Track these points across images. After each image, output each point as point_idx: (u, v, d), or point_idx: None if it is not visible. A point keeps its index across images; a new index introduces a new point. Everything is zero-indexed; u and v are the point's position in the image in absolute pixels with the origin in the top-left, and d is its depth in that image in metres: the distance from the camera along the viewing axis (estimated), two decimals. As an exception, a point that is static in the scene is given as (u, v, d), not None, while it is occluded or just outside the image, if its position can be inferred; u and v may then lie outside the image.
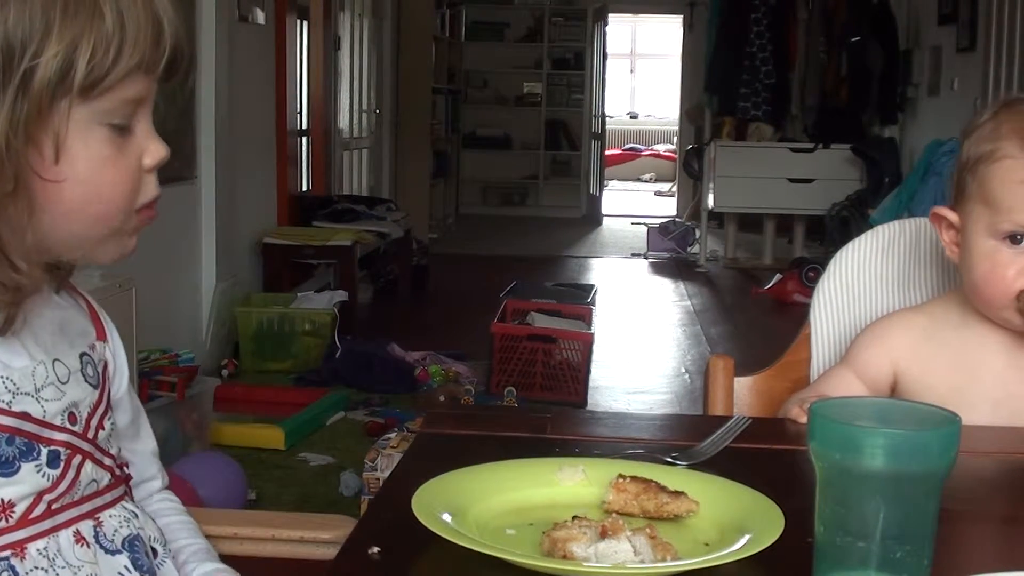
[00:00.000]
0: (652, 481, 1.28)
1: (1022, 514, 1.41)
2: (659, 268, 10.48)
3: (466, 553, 1.12)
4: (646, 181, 19.40)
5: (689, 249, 10.84)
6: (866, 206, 8.83)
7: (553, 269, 10.00)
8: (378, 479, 3.32)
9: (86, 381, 1.25)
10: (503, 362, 5.55)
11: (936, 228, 1.70)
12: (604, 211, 14.29)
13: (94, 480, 1.24)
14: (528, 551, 1.16)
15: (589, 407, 5.45)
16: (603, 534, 1.14)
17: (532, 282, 7.08)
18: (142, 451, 1.42)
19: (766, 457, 1.53)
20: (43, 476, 1.17)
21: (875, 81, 9.75)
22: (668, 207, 15.07)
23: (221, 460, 3.84)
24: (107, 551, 1.23)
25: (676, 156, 15.68)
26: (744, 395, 1.95)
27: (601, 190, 14.63)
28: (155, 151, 1.19)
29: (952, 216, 1.65)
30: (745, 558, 1.12)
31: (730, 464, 1.42)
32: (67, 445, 1.20)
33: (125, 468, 1.31)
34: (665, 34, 18.51)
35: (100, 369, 1.28)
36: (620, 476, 1.29)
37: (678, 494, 1.27)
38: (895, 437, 1.02)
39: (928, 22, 9.34)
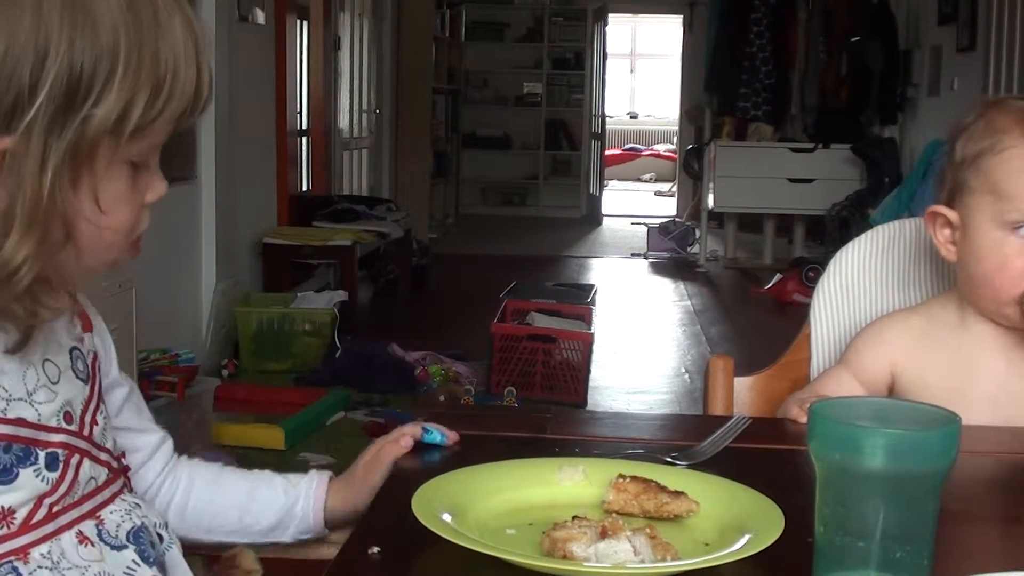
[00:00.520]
0: (652, 481, 1.28)
1: (1022, 514, 1.41)
2: (659, 268, 10.48)
3: (466, 553, 1.12)
4: (646, 181, 19.41)
5: (689, 249, 10.84)
6: (866, 206, 8.83)
7: (553, 269, 10.00)
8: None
9: (77, 377, 1.24)
10: (503, 362, 5.55)
11: (929, 228, 1.69)
12: (604, 211, 14.29)
13: (92, 478, 1.23)
14: (528, 551, 1.16)
15: (589, 407, 5.45)
16: (603, 534, 1.14)
17: (532, 282, 7.08)
18: (148, 417, 1.45)
19: (766, 457, 1.53)
20: (42, 480, 1.16)
21: (875, 81, 9.75)
22: (668, 207, 15.07)
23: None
24: (113, 547, 1.23)
25: (676, 156, 15.69)
26: (744, 395, 1.95)
27: (601, 190, 14.63)
28: (158, 188, 1.19)
29: (951, 214, 1.65)
30: (745, 558, 1.12)
31: (730, 464, 1.42)
32: (64, 446, 1.19)
33: (122, 460, 1.31)
34: (665, 34, 18.52)
35: (89, 361, 1.28)
36: (620, 476, 1.29)
37: (678, 494, 1.27)
38: (895, 437, 1.02)
39: (928, 22, 9.34)
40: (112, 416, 1.33)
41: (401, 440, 1.47)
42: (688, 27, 14.11)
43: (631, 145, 20.45)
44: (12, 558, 1.14)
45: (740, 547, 1.14)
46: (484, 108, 14.44)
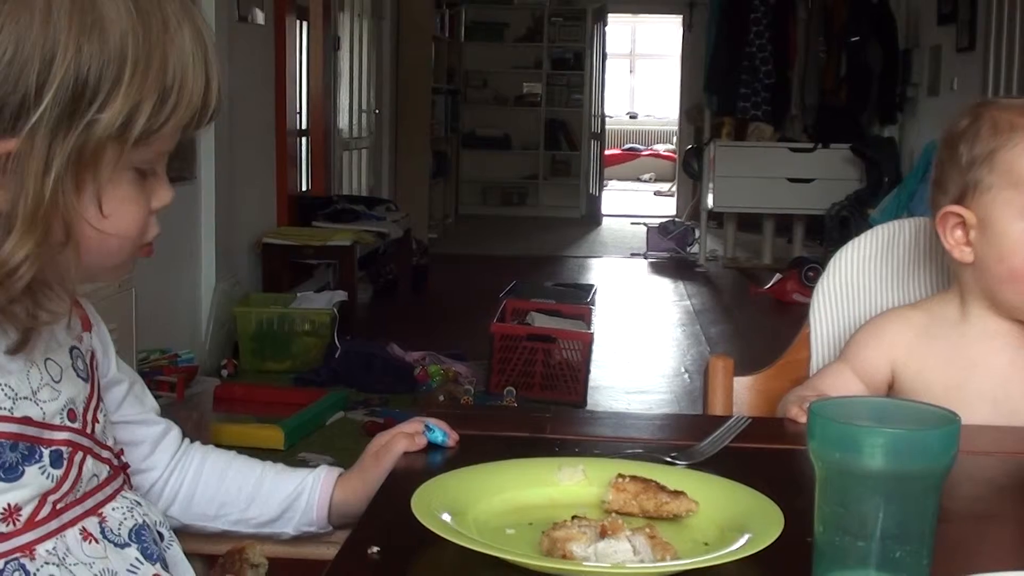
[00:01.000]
0: (652, 481, 1.28)
1: (1018, 514, 1.41)
2: (658, 268, 10.48)
3: (466, 553, 1.12)
4: (645, 181, 19.41)
5: (689, 249, 10.84)
6: (866, 206, 8.83)
7: (553, 269, 10.00)
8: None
9: (77, 376, 1.25)
10: (503, 362, 5.55)
11: (941, 231, 1.69)
12: (604, 211, 14.29)
13: (95, 475, 1.24)
14: (528, 551, 1.16)
15: (589, 407, 5.45)
16: (603, 534, 1.14)
17: (532, 282, 7.08)
18: (152, 407, 1.46)
19: (765, 457, 1.53)
20: (47, 477, 1.17)
21: (875, 81, 9.75)
22: (667, 207, 15.07)
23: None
24: (116, 545, 1.24)
25: (675, 156, 15.69)
26: (744, 395, 1.95)
27: (601, 190, 14.63)
28: (164, 195, 1.19)
29: (968, 213, 1.65)
30: (745, 558, 1.12)
31: (730, 464, 1.42)
32: (68, 443, 1.20)
33: (121, 457, 1.31)
34: (664, 34, 18.52)
35: (88, 360, 1.29)
36: (620, 476, 1.29)
37: (678, 494, 1.27)
38: (895, 436, 1.02)
39: (928, 22, 9.34)
40: (112, 412, 1.34)
41: (416, 438, 1.48)
42: (688, 27, 14.12)
43: (631, 145, 20.46)
44: (19, 555, 1.15)
45: (740, 547, 1.14)
46: (484, 108, 14.44)
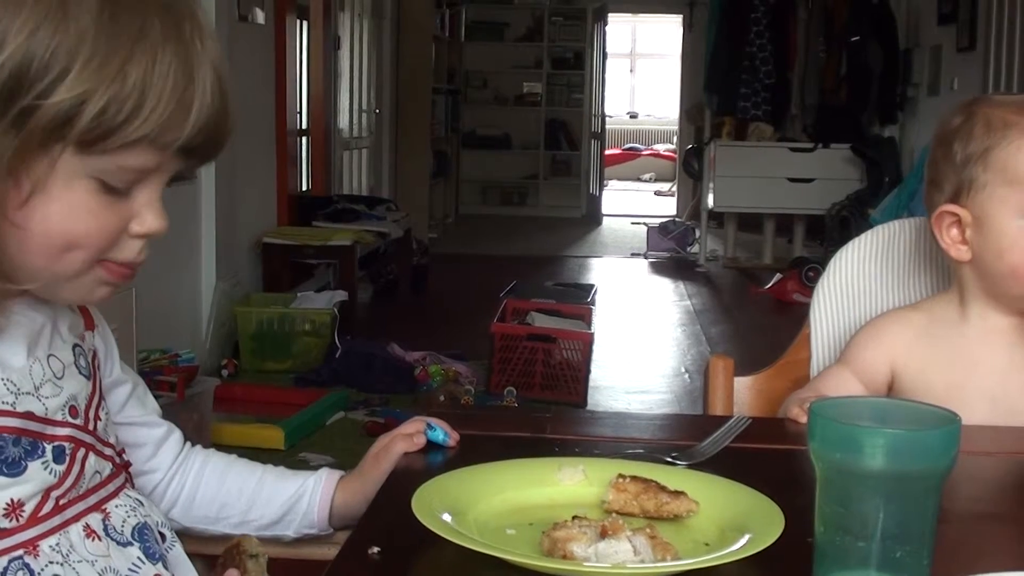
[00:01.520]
0: (652, 481, 1.28)
1: (1018, 513, 1.41)
2: (659, 268, 10.48)
3: (466, 553, 1.12)
4: (646, 181, 19.41)
5: (689, 249, 10.84)
6: (866, 206, 8.83)
7: (553, 269, 10.00)
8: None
9: (80, 373, 1.25)
10: (503, 362, 5.55)
11: (936, 230, 1.69)
12: (604, 211, 14.29)
13: (97, 472, 1.24)
14: (528, 551, 1.16)
15: (589, 407, 5.45)
16: (603, 534, 1.14)
17: (532, 282, 7.08)
18: (154, 409, 1.46)
19: (766, 457, 1.53)
20: (50, 473, 1.18)
21: (875, 81, 9.74)
22: (668, 207, 15.07)
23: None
24: (119, 543, 1.24)
25: (676, 156, 15.69)
26: (744, 395, 1.95)
27: (601, 190, 14.63)
28: (150, 222, 1.16)
29: (963, 212, 1.65)
30: (745, 558, 1.12)
31: (730, 464, 1.42)
32: (70, 439, 1.20)
33: (123, 455, 1.32)
34: (665, 34, 18.52)
35: (90, 359, 1.29)
36: (620, 476, 1.29)
37: (678, 494, 1.27)
38: (895, 437, 1.02)
39: (928, 22, 9.34)
40: (115, 413, 1.35)
41: (415, 437, 1.48)
42: (688, 27, 14.12)
43: (631, 145, 20.46)
44: (22, 551, 1.15)
45: (740, 547, 1.14)
46: (484, 108, 14.44)
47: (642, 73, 21.40)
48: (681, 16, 14.36)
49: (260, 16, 6.55)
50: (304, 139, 8.28)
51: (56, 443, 1.19)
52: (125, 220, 1.14)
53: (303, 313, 5.99)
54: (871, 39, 9.71)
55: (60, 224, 1.10)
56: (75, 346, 1.26)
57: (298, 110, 7.86)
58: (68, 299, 1.20)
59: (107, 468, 1.27)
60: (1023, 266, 1.63)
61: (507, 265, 9.47)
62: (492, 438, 1.56)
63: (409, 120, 10.90)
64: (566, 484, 1.34)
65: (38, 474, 1.17)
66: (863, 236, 1.98)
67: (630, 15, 17.36)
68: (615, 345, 6.85)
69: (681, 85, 14.60)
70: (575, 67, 14.45)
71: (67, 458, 1.20)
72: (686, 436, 1.55)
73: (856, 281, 1.96)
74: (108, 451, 1.27)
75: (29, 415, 1.16)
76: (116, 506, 1.26)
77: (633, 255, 11.14)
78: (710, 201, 10.06)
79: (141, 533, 1.27)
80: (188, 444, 1.51)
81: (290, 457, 4.40)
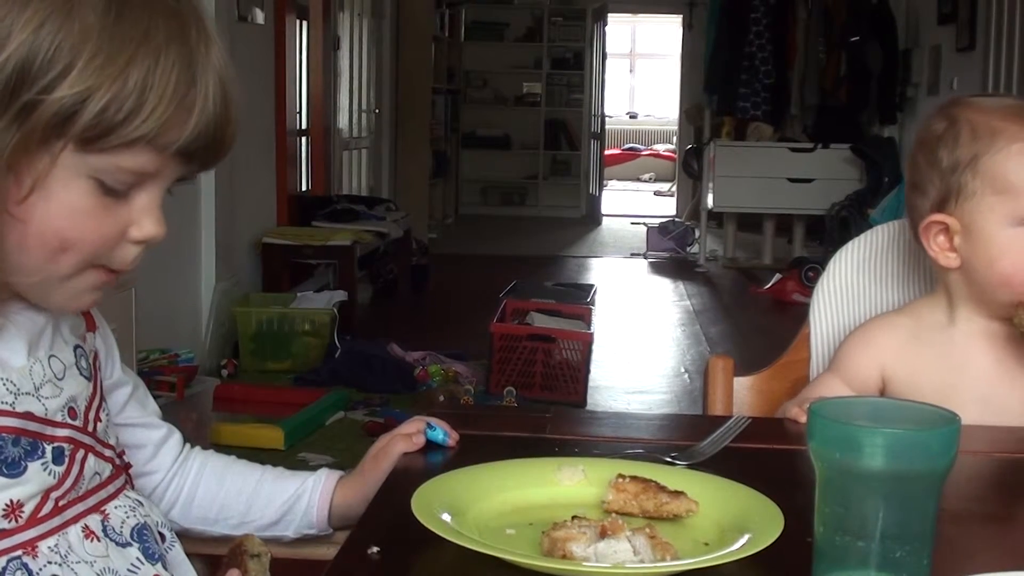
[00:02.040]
0: (652, 481, 1.28)
1: (1017, 514, 1.41)
2: (658, 268, 10.48)
3: (465, 553, 1.12)
4: (645, 181, 19.42)
5: (688, 249, 10.85)
6: (866, 206, 8.83)
7: (553, 269, 10.00)
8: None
9: (80, 374, 1.25)
10: (503, 362, 5.55)
11: (924, 240, 1.69)
12: (603, 211, 14.30)
13: (97, 473, 1.24)
14: (528, 551, 1.16)
15: (589, 407, 5.45)
16: (603, 534, 1.14)
17: (532, 282, 7.07)
18: (154, 411, 1.46)
19: (766, 457, 1.53)
20: (49, 474, 1.18)
21: (875, 81, 9.74)
22: (667, 207, 15.08)
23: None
24: (117, 544, 1.24)
25: (675, 156, 15.70)
26: (744, 395, 1.95)
27: (600, 190, 14.63)
28: (148, 228, 1.16)
29: (951, 220, 1.65)
30: (745, 558, 1.12)
31: (730, 464, 1.42)
32: (70, 440, 1.20)
33: (123, 457, 1.32)
34: (664, 34, 18.52)
35: (91, 360, 1.29)
36: (620, 476, 1.29)
37: (678, 494, 1.27)
38: (895, 437, 1.02)
39: (928, 22, 9.34)
40: (116, 414, 1.35)
41: (414, 437, 1.48)
42: (687, 27, 14.12)
43: (630, 145, 20.46)
44: (20, 552, 1.15)
45: (740, 547, 1.15)
46: (483, 108, 14.44)
47: (642, 73, 21.40)
48: (681, 16, 14.36)
49: (260, 16, 6.55)
50: (304, 139, 8.28)
51: (55, 444, 1.19)
52: (124, 225, 1.14)
53: (303, 313, 5.99)
54: (871, 39, 9.71)
55: (58, 224, 1.10)
56: (76, 347, 1.26)
57: (298, 110, 7.86)
58: (57, 303, 1.18)
59: (107, 470, 1.27)
60: (1014, 275, 1.62)
61: (507, 265, 9.47)
62: (492, 438, 1.56)
63: (409, 120, 10.90)
64: (566, 484, 1.34)
65: (38, 475, 1.16)
66: (863, 236, 1.98)
67: (630, 15, 17.36)
68: (615, 345, 6.85)
69: (681, 85, 14.60)
70: (575, 67, 14.46)
71: (66, 459, 1.20)
72: (686, 436, 1.55)
73: (856, 281, 1.96)
74: (108, 452, 1.27)
75: (28, 415, 1.16)
76: (115, 507, 1.26)
77: (633, 255, 11.15)
78: (710, 201, 10.07)
79: (140, 533, 1.27)
80: (188, 446, 1.51)
81: (290, 457, 4.40)
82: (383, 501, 1.34)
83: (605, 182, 15.49)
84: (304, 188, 8.27)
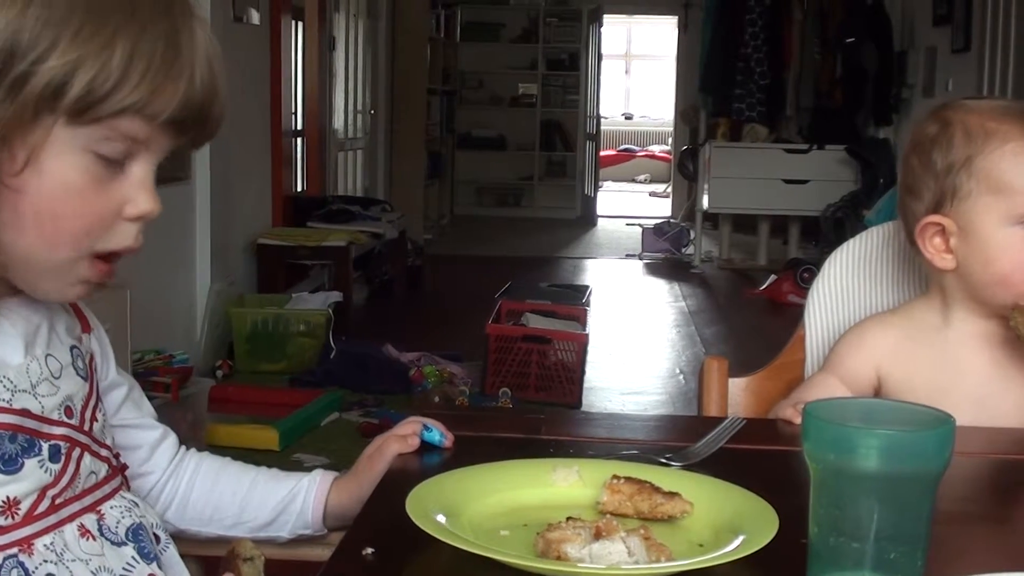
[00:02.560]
0: (646, 482, 1.28)
1: (1012, 515, 1.42)
2: (654, 269, 10.48)
3: (460, 554, 1.12)
4: (641, 182, 19.41)
5: (684, 250, 10.85)
6: (861, 207, 8.83)
7: (548, 270, 10.00)
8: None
9: (77, 374, 1.26)
10: (498, 363, 5.55)
11: (920, 242, 1.69)
12: (599, 212, 14.31)
13: (93, 472, 1.25)
14: (522, 552, 1.16)
15: (584, 408, 5.45)
16: (597, 535, 1.14)
17: (527, 283, 7.08)
18: (149, 412, 1.46)
19: (760, 458, 1.53)
20: (45, 471, 1.18)
21: (870, 82, 9.74)
22: (663, 208, 15.08)
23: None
24: (113, 543, 1.25)
25: (671, 157, 15.70)
26: (739, 396, 1.95)
27: (596, 191, 14.64)
28: (142, 203, 1.16)
29: (946, 221, 1.65)
30: (739, 559, 1.12)
31: (724, 465, 1.42)
32: (66, 439, 1.21)
33: (119, 458, 1.32)
34: (660, 35, 18.53)
35: (87, 361, 1.29)
36: (614, 477, 1.29)
37: (672, 495, 1.27)
38: (889, 438, 1.02)
39: (923, 23, 9.34)
40: (111, 415, 1.35)
41: (409, 439, 1.48)
42: (683, 28, 14.12)
43: (626, 146, 20.47)
44: (16, 550, 1.15)
45: (734, 548, 1.15)
46: (479, 109, 14.43)
47: (637, 74, 21.41)
48: (676, 17, 14.35)
49: (255, 17, 6.54)
50: (299, 140, 8.28)
51: (52, 442, 1.19)
52: (118, 203, 1.15)
53: (298, 314, 5.99)
54: (866, 40, 9.71)
55: (52, 199, 1.11)
56: (73, 347, 1.27)
57: (293, 111, 7.86)
58: (45, 291, 1.19)
59: (103, 469, 1.27)
60: (1011, 274, 1.63)
61: (502, 266, 9.46)
62: (487, 439, 1.56)
63: (404, 121, 10.90)
64: (560, 485, 1.34)
65: (34, 472, 1.17)
66: (857, 238, 1.98)
67: (625, 16, 17.36)
68: (610, 346, 6.85)
69: (676, 86, 14.59)
70: (570, 68, 14.45)
71: (62, 457, 1.20)
72: (680, 437, 1.55)
73: (851, 283, 1.96)
74: (104, 452, 1.28)
75: (25, 412, 1.17)
76: (111, 507, 1.27)
77: (628, 256, 11.15)
78: (705, 202, 10.07)
79: (136, 533, 1.28)
80: (183, 448, 1.51)
81: (284, 458, 4.40)
82: (378, 502, 1.34)
83: (600, 183, 15.48)
84: (299, 189, 8.27)
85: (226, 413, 4.99)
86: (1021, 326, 1.59)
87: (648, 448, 1.51)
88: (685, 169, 11.26)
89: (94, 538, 1.23)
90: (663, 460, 1.44)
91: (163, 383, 4.88)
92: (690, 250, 10.70)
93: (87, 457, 1.24)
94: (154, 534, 1.31)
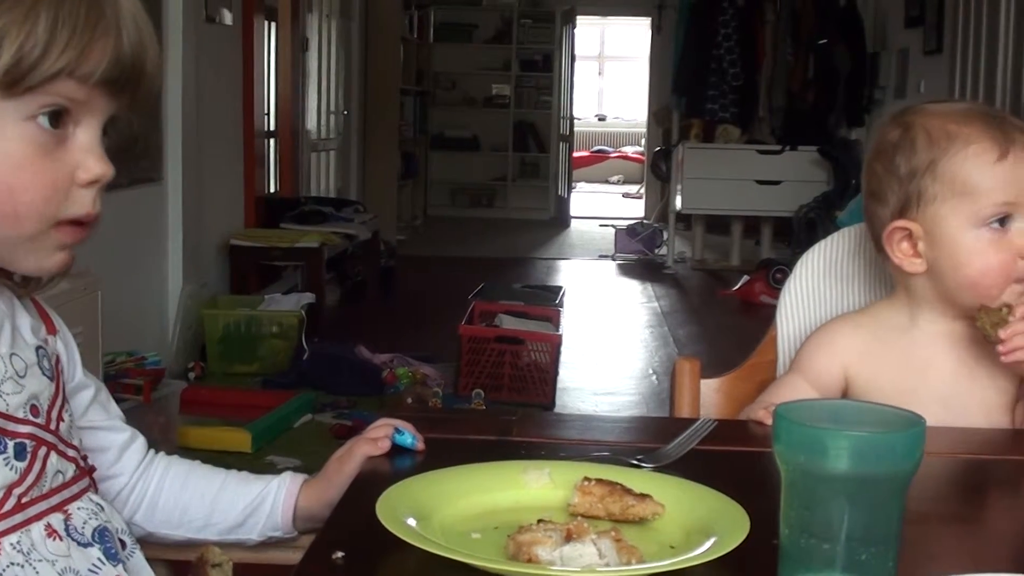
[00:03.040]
0: (617, 484, 1.28)
1: (981, 515, 1.42)
2: (627, 270, 10.49)
3: (431, 558, 1.12)
4: (614, 183, 19.43)
5: (657, 251, 10.86)
6: (833, 208, 8.86)
7: (521, 271, 10.00)
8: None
9: (43, 374, 1.25)
10: (471, 364, 5.54)
11: (888, 246, 1.70)
12: (572, 213, 14.31)
13: (59, 472, 1.24)
14: (493, 555, 1.16)
15: (557, 409, 5.45)
16: (568, 537, 1.14)
17: (500, 284, 7.08)
18: (117, 414, 1.45)
19: (732, 459, 1.53)
20: (11, 469, 1.17)
21: (842, 83, 9.79)
22: (636, 209, 15.10)
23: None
24: (79, 544, 1.24)
25: (644, 158, 15.71)
26: (711, 397, 1.95)
27: (569, 192, 14.65)
28: (93, 167, 1.17)
29: (914, 226, 1.66)
30: (711, 561, 1.12)
31: (696, 466, 1.42)
32: (32, 437, 1.20)
33: (87, 460, 1.31)
34: (633, 36, 18.55)
35: (53, 362, 1.29)
36: (586, 479, 1.29)
37: (644, 497, 1.27)
38: (860, 439, 1.02)
39: (895, 24, 9.38)
40: (79, 417, 1.34)
41: (380, 442, 1.47)
42: (656, 29, 14.13)
43: (599, 147, 20.48)
44: None
45: (706, 550, 1.14)
46: (452, 109, 14.43)
47: (610, 75, 21.44)
48: (649, 19, 14.37)
49: (228, 17, 6.53)
50: (272, 140, 8.26)
51: (17, 440, 1.19)
52: (69, 169, 1.16)
53: (270, 315, 5.97)
54: (838, 42, 9.75)
55: (3, 175, 1.12)
56: (38, 348, 1.26)
57: (266, 111, 7.84)
58: (28, 266, 1.19)
59: (70, 469, 1.26)
60: (980, 277, 1.63)
61: (475, 267, 9.46)
62: (458, 441, 1.56)
63: (377, 122, 10.89)
64: (532, 487, 1.34)
65: (0, 470, 1.16)
66: (828, 239, 1.98)
67: (598, 17, 17.39)
68: (583, 347, 6.85)
69: (649, 87, 14.61)
70: (544, 69, 14.45)
71: (28, 455, 1.20)
72: (652, 439, 1.55)
73: (822, 283, 1.96)
74: (71, 452, 1.27)
75: None
76: (78, 508, 1.26)
77: (601, 257, 11.15)
78: (678, 203, 10.09)
79: (102, 535, 1.27)
80: (152, 451, 1.51)
81: (257, 460, 4.38)
82: (348, 505, 1.34)
83: (574, 184, 15.50)
84: (272, 190, 8.25)
85: (198, 415, 4.96)
86: (988, 327, 1.60)
87: (619, 450, 1.51)
88: (658, 170, 11.28)
89: (61, 538, 1.22)
90: (634, 462, 1.44)
91: (135, 385, 4.86)
92: (663, 251, 10.71)
93: (54, 456, 1.23)
94: (119, 540, 1.30)
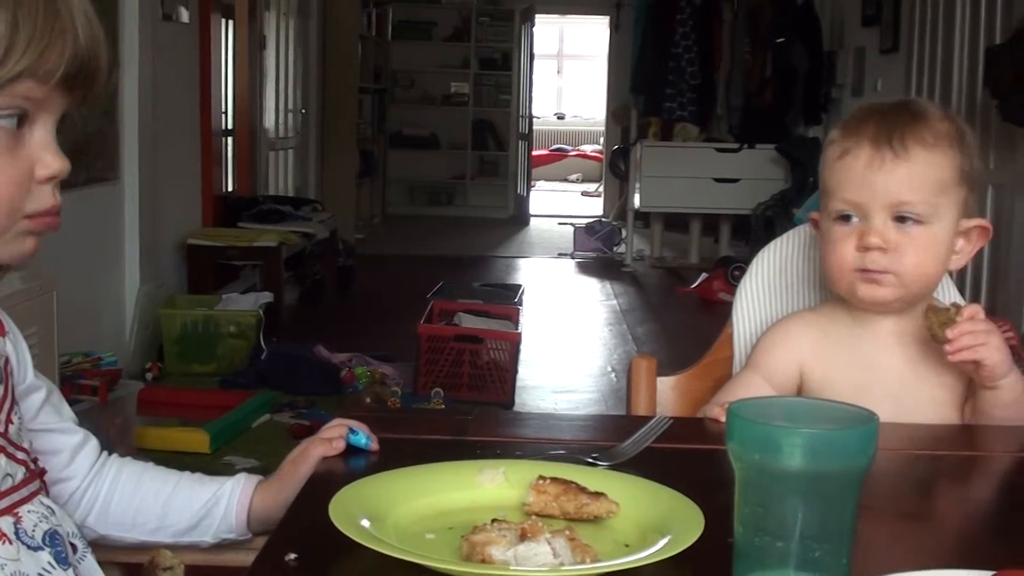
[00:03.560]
0: (572, 482, 1.28)
1: (933, 511, 1.43)
2: (586, 268, 10.50)
3: (384, 559, 1.11)
4: (573, 181, 19.47)
5: (615, 249, 10.88)
6: (791, 205, 8.90)
7: (480, 269, 10.00)
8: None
9: None
10: (430, 363, 5.54)
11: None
12: (531, 211, 14.32)
13: (8, 475, 1.23)
14: (447, 555, 1.16)
15: (517, 407, 5.45)
16: (522, 536, 1.13)
17: (459, 283, 7.08)
18: (69, 416, 1.45)
19: (687, 457, 1.53)
20: None
21: (800, 82, 9.83)
22: (594, 207, 15.12)
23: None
24: (29, 547, 1.23)
25: (602, 156, 15.74)
26: (667, 395, 1.96)
27: (528, 190, 14.66)
28: (50, 163, 1.18)
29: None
30: (665, 559, 1.12)
31: (651, 464, 1.42)
32: None
33: (38, 462, 1.30)
34: (592, 35, 18.59)
35: (2, 364, 1.28)
36: (540, 478, 1.29)
37: (598, 495, 1.27)
38: (813, 436, 1.02)
39: (852, 23, 9.42)
40: (30, 420, 1.33)
41: (334, 442, 1.47)
42: (615, 28, 14.15)
43: (558, 145, 20.51)
44: None
45: (660, 548, 1.14)
46: (411, 108, 14.40)
47: (569, 74, 21.47)
48: (608, 17, 14.38)
49: (184, 15, 6.49)
50: (229, 139, 8.22)
51: None
52: (27, 167, 1.17)
53: (228, 315, 5.95)
54: (796, 40, 9.80)
55: None
56: None
57: (223, 110, 7.81)
58: (3, 257, 1.20)
59: (20, 472, 1.25)
60: (830, 268, 1.72)
61: (434, 266, 9.46)
62: (413, 441, 1.55)
63: (335, 120, 10.85)
64: (487, 487, 1.34)
65: None
66: (784, 236, 1.99)
67: (557, 16, 17.40)
68: (542, 345, 6.85)
69: (608, 86, 14.62)
70: (502, 67, 14.45)
71: None
72: (608, 437, 1.54)
73: (778, 280, 1.97)
74: (21, 455, 1.26)
75: None
76: (28, 511, 1.25)
77: (560, 255, 11.16)
78: (636, 201, 10.11)
79: (52, 538, 1.26)
80: (104, 453, 1.49)
81: (215, 461, 4.37)
82: (301, 507, 1.33)
83: (533, 182, 15.50)
84: (230, 189, 8.21)
85: (156, 416, 4.94)
86: (935, 327, 1.62)
87: (576, 448, 1.51)
88: (617, 168, 11.30)
89: (10, 542, 1.21)
90: (590, 460, 1.44)
91: (91, 386, 4.82)
92: (622, 249, 10.73)
93: (2, 459, 1.22)
94: (70, 543, 1.29)
